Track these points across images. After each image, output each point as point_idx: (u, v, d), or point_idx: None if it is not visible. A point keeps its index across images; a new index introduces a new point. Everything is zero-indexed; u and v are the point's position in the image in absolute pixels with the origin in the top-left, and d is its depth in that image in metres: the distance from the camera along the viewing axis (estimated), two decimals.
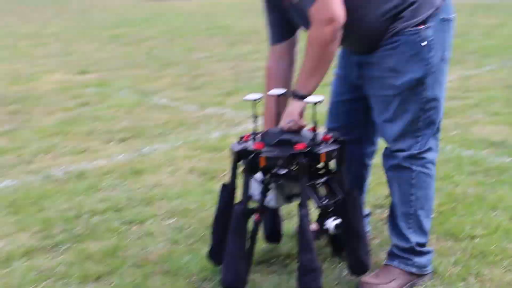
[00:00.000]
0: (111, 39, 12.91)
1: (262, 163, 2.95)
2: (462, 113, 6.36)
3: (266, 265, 3.44)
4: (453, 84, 7.38)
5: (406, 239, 3.17)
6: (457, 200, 4.10)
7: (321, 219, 3.11)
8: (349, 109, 3.35)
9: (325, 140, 3.03)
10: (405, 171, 3.12)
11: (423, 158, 3.13)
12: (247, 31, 13.17)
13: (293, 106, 2.99)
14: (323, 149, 2.94)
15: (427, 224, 3.20)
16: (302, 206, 2.92)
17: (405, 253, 3.19)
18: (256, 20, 14.73)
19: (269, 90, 3.20)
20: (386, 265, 3.25)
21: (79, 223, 4.05)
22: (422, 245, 3.19)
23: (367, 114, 3.31)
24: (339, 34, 2.86)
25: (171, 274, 3.38)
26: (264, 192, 3.11)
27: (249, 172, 3.04)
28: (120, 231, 3.92)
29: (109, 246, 3.70)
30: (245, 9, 17.88)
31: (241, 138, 3.18)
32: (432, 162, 3.16)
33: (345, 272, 3.30)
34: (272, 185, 3.13)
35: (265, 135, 3.09)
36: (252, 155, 2.97)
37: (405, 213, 3.17)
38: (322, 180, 3.10)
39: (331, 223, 3.04)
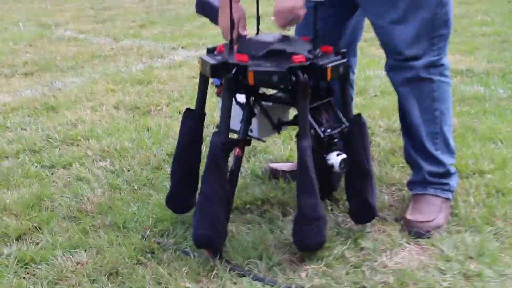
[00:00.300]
0: None
1: (250, 80, 2.20)
2: None
3: (239, 212, 2.73)
4: None
5: (438, 162, 2.62)
6: None
7: (321, 153, 2.39)
8: (325, 15, 2.62)
9: (326, 52, 2.32)
10: (425, 83, 2.53)
11: (442, 64, 2.56)
12: None
13: None
14: (328, 63, 2.22)
15: (452, 141, 2.67)
16: (303, 136, 2.21)
17: (441, 178, 2.64)
18: None
19: None
20: (419, 195, 2.63)
21: None
22: (453, 165, 2.68)
23: (346, 19, 2.68)
24: None
25: (118, 227, 2.62)
26: (247, 120, 2.37)
27: (231, 92, 2.29)
28: (40, 176, 3.12)
29: (29, 196, 2.89)
30: None
31: (212, 49, 2.42)
32: (449, 69, 2.61)
33: (343, 219, 2.63)
34: (256, 110, 2.41)
35: (247, 44, 2.34)
36: (234, 70, 2.22)
37: (430, 133, 2.60)
38: (323, 102, 2.41)
39: (336, 158, 2.34)
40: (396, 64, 2.53)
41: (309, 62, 2.19)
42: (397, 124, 3.53)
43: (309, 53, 2.25)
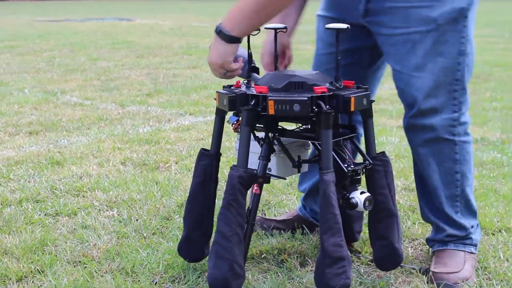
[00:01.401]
0: (4, 49, 11.68)
1: (271, 110, 2.09)
2: None
3: (255, 261, 2.58)
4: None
5: (459, 225, 2.48)
6: None
7: (342, 193, 2.25)
8: (344, 63, 2.52)
9: (347, 86, 2.22)
10: (447, 144, 2.38)
11: (464, 122, 2.40)
12: (154, 46, 12.25)
13: (219, 48, 2.21)
14: (351, 94, 2.12)
15: (474, 201, 2.51)
16: (326, 169, 2.07)
17: (461, 239, 2.49)
18: (161, 38, 13.98)
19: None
20: (441, 250, 2.48)
21: None
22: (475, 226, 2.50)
23: (367, 68, 2.56)
24: None
25: (126, 272, 2.47)
26: (265, 156, 2.25)
27: (250, 125, 2.17)
28: (44, 223, 2.97)
29: (32, 240, 2.74)
30: (146, 30, 16.97)
31: (229, 86, 2.31)
32: (469, 125, 2.45)
33: (366, 270, 2.48)
34: (276, 147, 2.29)
35: (266, 78, 2.24)
36: (254, 101, 2.12)
37: (450, 196, 2.44)
38: (347, 137, 2.29)
39: (360, 196, 2.20)
40: (414, 123, 2.37)
41: (331, 93, 2.09)
42: (414, 184, 3.40)
43: (330, 85, 2.16)
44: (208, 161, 2.35)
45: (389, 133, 4.79)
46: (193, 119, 5.44)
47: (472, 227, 2.48)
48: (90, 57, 10.33)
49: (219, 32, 2.15)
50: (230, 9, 2.15)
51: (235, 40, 2.16)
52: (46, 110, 5.79)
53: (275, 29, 2.34)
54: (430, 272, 2.41)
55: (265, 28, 2.33)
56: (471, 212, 2.48)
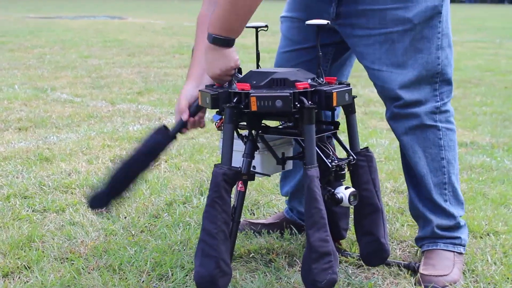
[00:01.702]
0: None
1: (253, 106, 2.08)
2: None
3: (243, 261, 2.57)
4: None
5: (448, 214, 2.48)
6: None
7: (326, 186, 2.23)
8: (309, 59, 2.52)
9: (329, 82, 2.22)
10: (431, 131, 2.42)
11: (447, 111, 2.45)
12: (145, 45, 12.24)
13: (222, 54, 2.17)
14: (333, 89, 2.11)
15: (460, 192, 2.54)
16: (310, 165, 2.07)
17: (451, 232, 2.50)
18: (152, 37, 13.96)
19: (198, 41, 2.35)
20: (430, 250, 2.48)
21: None
22: (463, 218, 2.54)
23: (331, 64, 2.59)
24: None
25: (113, 270, 2.46)
26: (249, 154, 2.23)
27: (233, 122, 2.15)
28: (31, 219, 2.96)
29: (19, 236, 2.72)
30: (137, 29, 16.96)
31: (211, 85, 2.29)
32: (453, 115, 2.50)
33: (353, 271, 2.48)
34: (259, 145, 2.27)
35: (248, 76, 2.23)
36: (236, 98, 2.10)
37: (438, 183, 2.46)
38: (330, 133, 2.29)
39: (345, 191, 2.20)
40: (398, 112, 2.40)
41: (313, 88, 2.09)
42: (404, 186, 3.41)
43: (312, 81, 2.16)
44: (161, 135, 2.31)
45: (379, 135, 4.79)
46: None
47: (459, 216, 2.48)
48: (81, 55, 10.31)
49: (214, 39, 2.12)
50: (215, 15, 2.12)
51: (232, 41, 2.14)
52: (36, 106, 5.77)
53: (256, 27, 2.34)
54: (418, 274, 2.41)
55: (246, 27, 2.33)
56: (459, 202, 2.50)
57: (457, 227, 2.49)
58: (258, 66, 2.40)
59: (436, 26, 2.33)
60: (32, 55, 10.09)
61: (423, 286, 2.36)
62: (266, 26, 2.33)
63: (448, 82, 2.41)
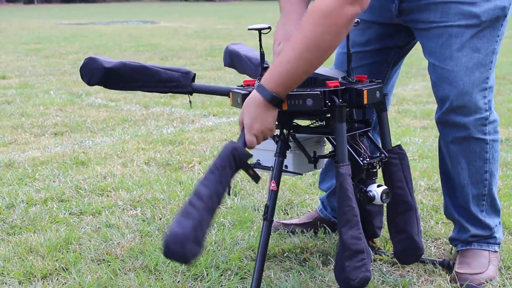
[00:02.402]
0: (30, 52, 11.81)
1: (284, 105, 2.09)
2: None
3: (277, 260, 2.58)
4: (420, 92, 6.72)
5: (484, 225, 2.46)
6: None
7: (359, 184, 2.24)
8: (371, 62, 2.53)
9: (360, 80, 2.22)
10: (478, 144, 2.36)
11: (494, 120, 2.37)
12: (177, 48, 12.31)
13: (270, 115, 2.07)
14: (364, 87, 2.12)
15: (498, 200, 2.50)
16: (342, 163, 2.08)
17: (485, 239, 2.48)
18: (185, 40, 14.03)
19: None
20: (465, 250, 2.47)
21: (14, 213, 3.10)
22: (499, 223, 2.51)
23: (392, 67, 2.56)
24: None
25: (149, 270, 2.49)
26: (281, 153, 2.24)
27: None
28: (68, 222, 3.00)
29: (56, 239, 2.77)
30: (170, 32, 17.06)
31: (242, 86, 2.31)
32: (498, 123, 2.43)
33: (388, 269, 2.48)
34: (291, 144, 2.28)
35: None
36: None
37: (477, 195, 2.43)
38: (361, 131, 2.30)
39: (377, 189, 2.20)
40: (446, 118, 2.33)
41: (344, 87, 2.10)
42: (438, 184, 3.40)
43: (343, 79, 2.17)
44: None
45: (413, 134, 4.77)
46: (216, 120, 5.46)
47: (495, 226, 2.47)
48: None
49: (273, 99, 2.01)
50: (278, 72, 2.00)
51: (281, 103, 2.06)
52: (71, 111, 5.85)
53: (259, 29, 2.33)
54: (454, 272, 2.40)
55: (248, 29, 2.33)
56: (496, 210, 2.47)
57: (492, 235, 2.48)
58: (262, 66, 2.36)
59: (498, 28, 2.26)
60: (66, 61, 10.21)
61: (458, 284, 2.35)
62: (269, 27, 2.32)
63: (492, 89, 2.34)
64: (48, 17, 26.47)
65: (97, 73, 2.22)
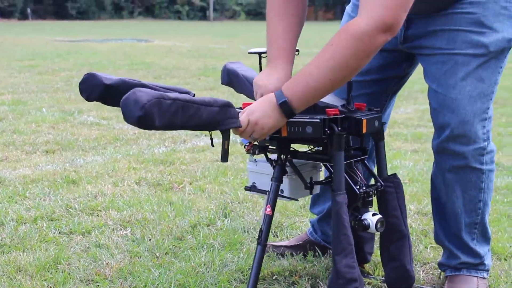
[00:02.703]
0: (23, 68, 11.80)
1: (284, 132, 2.12)
2: None
3: (266, 283, 2.59)
4: (411, 115, 6.75)
5: (475, 254, 2.48)
6: None
7: (354, 212, 2.25)
8: (370, 92, 2.54)
9: (359, 108, 2.24)
10: (475, 174, 2.37)
11: (492, 150, 2.38)
12: (171, 67, 12.33)
13: (276, 119, 2.12)
14: (363, 116, 2.14)
15: (489, 227, 2.52)
16: (338, 191, 2.10)
17: (475, 266, 2.50)
18: (179, 59, 14.05)
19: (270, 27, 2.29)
20: (454, 275, 2.48)
21: (3, 231, 3.10)
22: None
23: (391, 96, 2.58)
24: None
25: None
26: (278, 177, 2.27)
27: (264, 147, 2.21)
28: (58, 242, 3.00)
29: (45, 258, 2.76)
30: (164, 51, 17.09)
31: (240, 108, 2.32)
32: (495, 152, 2.45)
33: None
34: (288, 169, 2.30)
35: None
36: None
37: (469, 224, 2.44)
38: (358, 159, 2.31)
39: (372, 217, 2.21)
40: (446, 147, 2.33)
41: (343, 115, 2.12)
42: (428, 208, 3.41)
43: (342, 107, 2.18)
44: None
45: (403, 157, 4.79)
46: (208, 140, 5.46)
47: (485, 254, 2.48)
48: None
49: (283, 104, 2.07)
50: (300, 84, 2.05)
51: (293, 115, 2.10)
52: (63, 129, 5.85)
53: (259, 53, 2.35)
54: None
55: (249, 53, 2.35)
56: (486, 238, 2.48)
57: (482, 263, 2.49)
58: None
59: (502, 60, 2.28)
60: (59, 78, 10.21)
61: None
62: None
63: (491, 119, 2.35)
64: (42, 33, 26.48)
65: (96, 89, 2.23)
